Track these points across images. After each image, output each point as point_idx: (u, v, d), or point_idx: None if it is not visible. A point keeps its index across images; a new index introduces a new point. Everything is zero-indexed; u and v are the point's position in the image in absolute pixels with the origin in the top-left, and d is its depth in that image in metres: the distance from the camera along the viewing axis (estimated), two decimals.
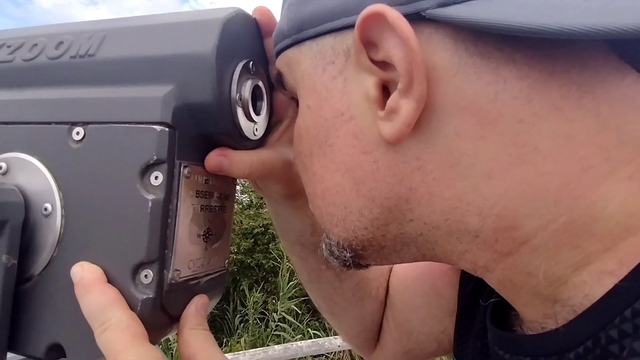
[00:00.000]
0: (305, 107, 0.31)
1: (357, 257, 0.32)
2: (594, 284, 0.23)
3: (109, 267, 0.31)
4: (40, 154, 0.35)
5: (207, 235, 0.38)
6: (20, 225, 0.33)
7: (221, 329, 3.72)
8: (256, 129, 0.38)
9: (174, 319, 0.34)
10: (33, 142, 0.35)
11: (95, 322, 0.29)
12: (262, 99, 0.39)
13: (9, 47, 0.39)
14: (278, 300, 3.77)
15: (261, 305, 3.95)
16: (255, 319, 3.88)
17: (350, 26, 0.26)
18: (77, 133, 0.34)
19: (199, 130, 0.35)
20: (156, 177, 0.32)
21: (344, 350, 2.77)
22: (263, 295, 3.94)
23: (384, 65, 0.26)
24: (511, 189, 0.24)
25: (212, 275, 0.39)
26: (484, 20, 0.21)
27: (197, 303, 0.34)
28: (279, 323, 3.70)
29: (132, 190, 0.31)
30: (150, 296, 0.31)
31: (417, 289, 0.51)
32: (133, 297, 0.31)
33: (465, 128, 0.24)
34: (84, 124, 0.34)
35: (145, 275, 0.31)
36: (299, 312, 3.73)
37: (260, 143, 0.40)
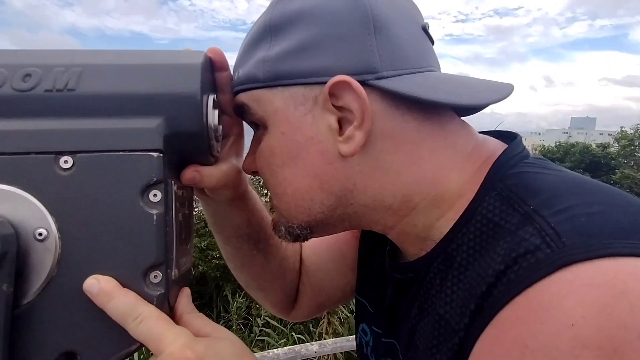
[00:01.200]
0: (279, 132, 0.45)
1: (310, 233, 0.49)
2: (445, 225, 0.44)
3: (119, 275, 0.37)
4: (22, 184, 0.37)
5: (185, 237, 0.44)
6: (15, 255, 0.35)
7: None
8: (218, 148, 0.48)
9: (171, 308, 0.41)
10: (11, 172, 0.37)
11: (128, 319, 0.36)
12: (220, 123, 0.47)
13: None
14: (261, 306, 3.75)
15: (245, 310, 3.92)
16: (239, 325, 3.85)
17: (318, 83, 0.43)
18: (65, 162, 0.37)
19: (179, 152, 0.42)
20: (155, 195, 0.38)
21: (328, 355, 2.77)
22: (246, 300, 3.91)
23: (340, 109, 0.43)
24: (410, 179, 0.44)
25: (188, 270, 0.47)
26: (398, 90, 0.42)
27: (186, 294, 0.43)
28: (262, 328, 3.68)
29: (135, 208, 0.37)
30: (162, 292, 0.38)
31: (327, 256, 0.70)
32: (148, 295, 0.38)
33: (386, 147, 0.44)
34: (70, 153, 0.37)
35: (155, 276, 0.38)
36: None
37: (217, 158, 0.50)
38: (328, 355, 2.89)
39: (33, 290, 0.37)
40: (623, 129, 20.19)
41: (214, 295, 4.33)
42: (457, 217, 0.43)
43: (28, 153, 0.37)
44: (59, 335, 0.37)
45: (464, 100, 0.43)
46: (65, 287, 0.37)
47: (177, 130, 0.40)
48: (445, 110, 0.46)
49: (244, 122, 0.53)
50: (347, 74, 0.41)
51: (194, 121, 0.41)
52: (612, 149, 19.61)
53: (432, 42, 0.48)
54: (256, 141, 0.50)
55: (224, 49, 0.47)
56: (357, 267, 0.65)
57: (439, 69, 0.48)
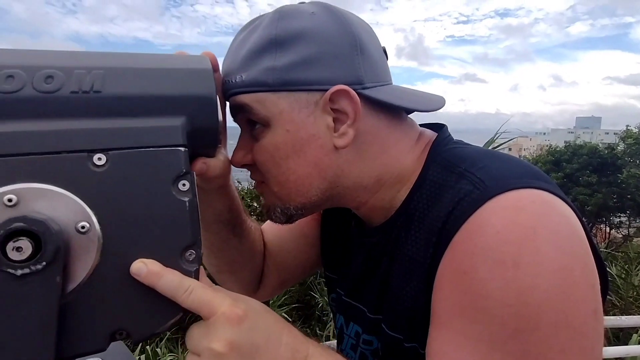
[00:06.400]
0: (284, 130, 0.55)
1: (302, 214, 0.60)
2: (404, 194, 0.59)
3: (159, 256, 0.42)
4: (59, 181, 0.39)
5: None
6: (64, 249, 0.38)
7: None
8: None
9: None
10: (46, 171, 0.39)
11: (179, 292, 0.42)
12: None
13: None
14: None
15: None
16: None
17: (319, 90, 0.54)
18: (99, 159, 0.40)
19: (193, 146, 0.46)
20: (184, 184, 0.43)
21: None
22: None
23: (335, 111, 0.55)
24: (381, 163, 0.58)
25: None
26: (381, 98, 0.55)
27: (203, 271, 0.47)
28: None
29: (169, 197, 0.42)
30: (197, 267, 0.44)
31: (289, 236, 0.82)
32: (186, 271, 0.43)
33: (367, 140, 0.57)
34: (103, 150, 0.40)
35: (190, 254, 0.43)
36: (290, 319, 3.72)
37: None
38: None
39: (79, 279, 0.39)
40: (629, 127, 20.04)
41: None
42: (412, 186, 0.58)
43: (59, 152, 0.39)
44: (107, 316, 0.40)
45: (419, 107, 0.60)
46: (110, 273, 0.40)
47: (196, 127, 0.46)
48: (401, 111, 0.61)
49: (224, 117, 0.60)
50: (342, 84, 0.53)
51: (211, 119, 0.47)
52: (618, 149, 19.47)
53: (387, 59, 0.63)
54: (248, 138, 0.59)
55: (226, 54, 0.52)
56: (323, 248, 0.80)
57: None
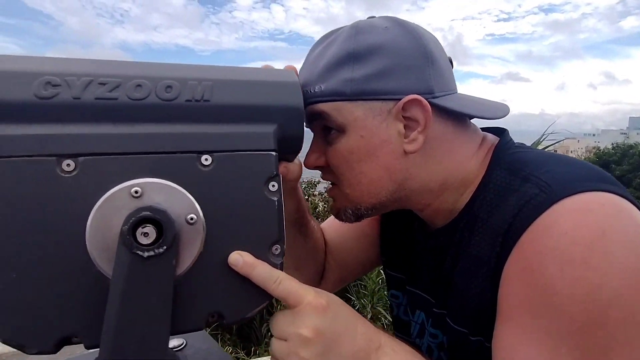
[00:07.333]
0: (358, 136, 0.59)
1: (371, 213, 0.64)
2: (466, 197, 0.61)
3: (250, 249, 0.47)
4: (174, 177, 0.45)
5: None
6: (179, 237, 0.44)
7: (248, 337, 3.75)
8: None
9: None
10: (163, 168, 0.45)
11: (270, 281, 0.46)
12: None
13: (102, 84, 0.45)
14: None
15: None
16: None
17: (392, 99, 0.58)
18: (206, 159, 0.46)
19: (280, 152, 0.50)
20: (273, 185, 0.48)
21: None
22: None
23: (407, 118, 0.58)
24: (447, 167, 0.61)
25: None
26: (450, 107, 0.59)
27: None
28: None
29: (261, 196, 0.47)
30: (282, 261, 0.49)
31: (350, 235, 0.86)
32: (273, 263, 0.48)
33: (434, 145, 0.60)
34: (209, 152, 0.46)
35: (276, 249, 0.48)
36: None
37: None
38: None
39: (185, 265, 0.45)
40: None
41: None
42: (475, 189, 0.61)
43: (175, 152, 0.45)
44: (206, 300, 0.46)
45: (486, 115, 0.62)
46: (211, 261, 0.46)
47: (285, 134, 0.51)
48: (466, 117, 0.64)
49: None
50: (415, 94, 0.57)
51: (298, 127, 0.52)
52: None
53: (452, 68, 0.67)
54: (321, 142, 0.64)
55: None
56: (383, 247, 0.83)
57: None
